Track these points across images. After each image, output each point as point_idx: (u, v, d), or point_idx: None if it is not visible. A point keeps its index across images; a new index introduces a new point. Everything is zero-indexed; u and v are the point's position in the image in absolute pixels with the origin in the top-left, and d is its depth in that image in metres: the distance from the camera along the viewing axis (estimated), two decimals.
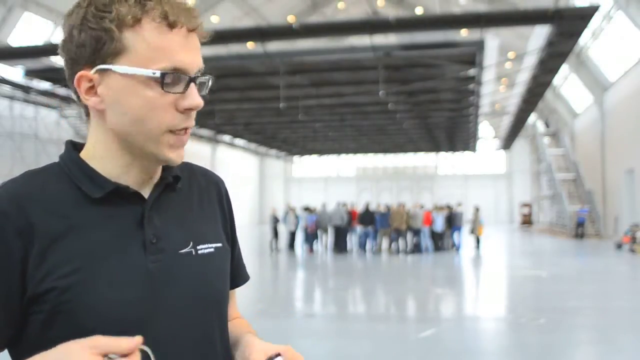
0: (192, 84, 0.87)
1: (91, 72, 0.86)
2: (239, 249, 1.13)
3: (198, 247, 0.95)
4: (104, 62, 0.85)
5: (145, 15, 0.84)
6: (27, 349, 0.82)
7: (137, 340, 0.74)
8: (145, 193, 0.93)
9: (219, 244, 1.00)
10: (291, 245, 18.76)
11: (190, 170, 1.05)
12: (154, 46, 0.84)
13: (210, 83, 0.93)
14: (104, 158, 0.91)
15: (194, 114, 0.90)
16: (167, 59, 0.84)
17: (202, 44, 0.92)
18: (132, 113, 0.86)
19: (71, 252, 0.84)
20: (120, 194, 0.89)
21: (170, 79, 0.85)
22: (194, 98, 0.87)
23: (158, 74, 0.84)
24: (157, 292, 0.88)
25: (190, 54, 0.87)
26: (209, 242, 0.97)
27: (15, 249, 0.82)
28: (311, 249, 18.55)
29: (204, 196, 1.04)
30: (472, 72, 17.46)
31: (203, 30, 0.91)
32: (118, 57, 0.84)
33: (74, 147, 0.94)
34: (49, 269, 0.83)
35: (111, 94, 0.86)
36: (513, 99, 25.88)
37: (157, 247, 0.90)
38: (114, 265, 0.86)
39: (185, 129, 0.90)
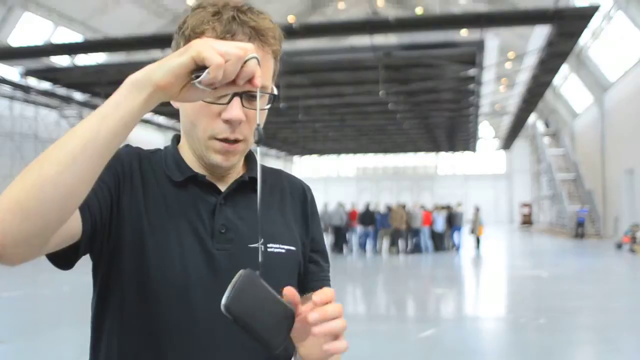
0: (236, 98, 0.91)
1: None
2: (324, 256, 1.13)
3: (268, 245, 0.99)
4: None
5: (207, 29, 0.91)
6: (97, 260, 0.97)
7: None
8: (223, 188, 1.01)
9: (292, 247, 1.04)
10: None
11: (278, 175, 1.13)
12: None
13: (269, 97, 0.96)
14: (185, 150, 1.03)
15: (243, 126, 0.94)
16: None
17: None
18: (187, 117, 0.97)
19: (157, 213, 0.96)
20: (198, 183, 0.99)
21: None
22: (230, 111, 0.91)
23: None
24: (219, 277, 0.93)
25: None
26: (281, 243, 1.02)
27: (129, 173, 0.97)
28: None
29: (285, 200, 1.10)
30: (472, 72, 17.43)
31: (270, 44, 0.95)
32: None
33: (177, 140, 1.07)
34: (130, 212, 0.94)
35: None
36: (513, 99, 25.89)
37: (226, 237, 0.97)
38: (182, 243, 0.95)
39: (233, 139, 0.94)
